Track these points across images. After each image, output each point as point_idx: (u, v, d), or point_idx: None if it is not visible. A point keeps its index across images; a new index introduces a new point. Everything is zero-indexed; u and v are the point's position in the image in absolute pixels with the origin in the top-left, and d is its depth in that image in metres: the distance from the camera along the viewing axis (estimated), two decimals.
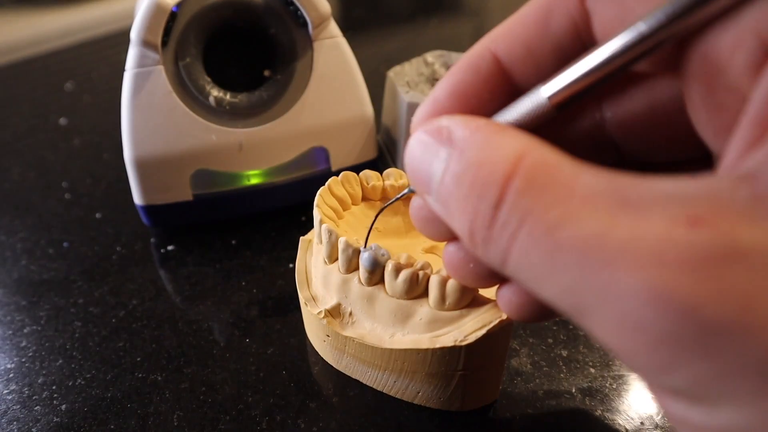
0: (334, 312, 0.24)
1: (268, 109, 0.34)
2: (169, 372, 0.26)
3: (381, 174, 0.27)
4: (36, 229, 0.37)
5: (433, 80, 0.37)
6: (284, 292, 0.31)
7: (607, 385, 0.25)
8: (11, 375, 0.27)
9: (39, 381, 0.26)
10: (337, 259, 0.23)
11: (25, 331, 0.29)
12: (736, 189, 0.10)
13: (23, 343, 0.29)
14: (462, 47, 0.53)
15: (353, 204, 0.27)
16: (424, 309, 0.22)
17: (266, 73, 0.35)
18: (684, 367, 0.10)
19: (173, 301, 0.31)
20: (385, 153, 0.40)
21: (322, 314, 0.24)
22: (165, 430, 0.24)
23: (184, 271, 0.33)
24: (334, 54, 0.35)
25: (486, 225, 0.12)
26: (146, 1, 0.31)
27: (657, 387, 0.11)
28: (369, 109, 0.36)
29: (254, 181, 0.35)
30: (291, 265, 0.33)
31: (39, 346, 0.28)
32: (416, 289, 0.22)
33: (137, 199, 0.34)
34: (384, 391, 0.25)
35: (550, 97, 0.14)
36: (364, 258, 0.22)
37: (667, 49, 0.12)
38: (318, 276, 0.25)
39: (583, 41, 0.14)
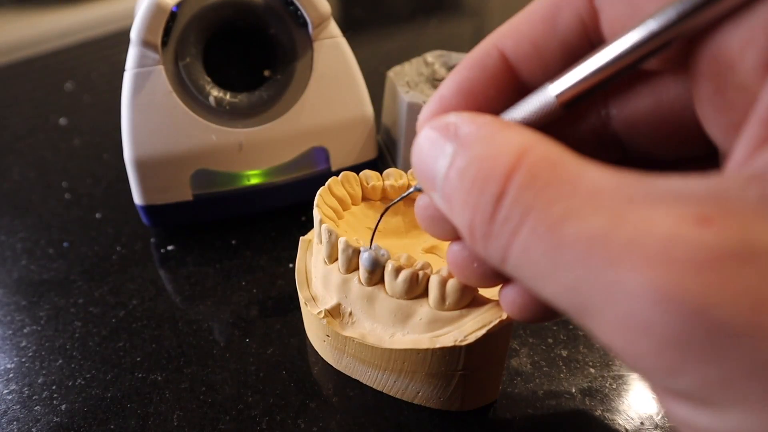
0: (334, 312, 0.24)
1: (268, 109, 0.34)
2: (169, 372, 0.26)
3: (381, 174, 0.27)
4: (36, 229, 0.37)
5: (433, 80, 0.37)
6: (284, 292, 0.31)
7: (607, 385, 0.25)
8: (11, 375, 0.27)
9: (39, 381, 0.26)
10: (337, 259, 0.23)
11: (25, 331, 0.29)
12: (746, 188, 0.10)
13: (23, 343, 0.29)
14: (462, 47, 0.53)
15: (353, 204, 0.27)
16: (424, 309, 0.22)
17: (266, 73, 0.35)
18: (692, 370, 0.09)
19: (173, 301, 0.31)
20: (385, 153, 0.40)
21: (322, 314, 0.24)
22: (165, 430, 0.24)
23: (184, 271, 0.33)
24: (334, 54, 0.35)
25: (486, 220, 0.12)
26: (146, 1, 0.31)
27: (661, 389, 0.11)
28: (369, 109, 0.36)
29: (254, 181, 0.35)
30: (291, 265, 0.33)
31: (39, 346, 0.28)
32: (416, 289, 0.22)
33: (137, 199, 0.34)
34: (384, 391, 0.25)
35: (558, 96, 0.14)
36: (364, 258, 0.22)
37: (675, 47, 0.12)
38: (318, 276, 0.25)
39: (590, 39, 0.14)
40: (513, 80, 0.15)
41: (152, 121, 0.32)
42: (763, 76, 0.11)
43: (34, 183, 0.43)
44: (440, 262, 0.26)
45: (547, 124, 0.14)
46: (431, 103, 0.16)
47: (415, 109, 0.35)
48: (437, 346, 0.21)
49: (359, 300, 0.23)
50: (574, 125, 0.17)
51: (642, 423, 0.23)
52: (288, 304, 0.30)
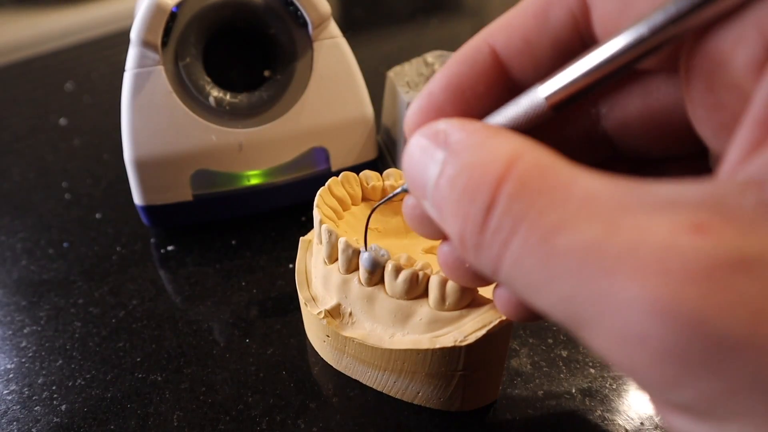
0: (334, 312, 0.24)
1: (268, 109, 0.34)
2: (169, 372, 0.26)
3: (381, 174, 0.27)
4: (36, 229, 0.37)
5: None
6: (284, 292, 0.31)
7: (607, 385, 0.25)
8: (11, 375, 0.27)
9: (39, 381, 0.26)
10: (337, 259, 0.23)
11: (25, 331, 0.29)
12: (741, 195, 0.10)
13: (23, 343, 0.29)
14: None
15: (353, 204, 0.27)
16: (424, 309, 0.22)
17: (266, 73, 0.35)
18: (690, 383, 0.09)
19: (173, 302, 0.31)
20: (385, 153, 0.40)
21: (322, 314, 0.24)
22: (165, 430, 0.24)
23: (184, 272, 0.33)
24: (334, 54, 0.35)
25: (477, 230, 0.12)
26: (146, 1, 0.31)
27: (660, 402, 0.10)
28: (369, 109, 0.36)
29: (254, 181, 0.35)
30: (291, 266, 0.33)
31: (39, 346, 0.28)
32: (416, 289, 0.22)
33: (137, 199, 0.34)
34: (384, 392, 0.25)
35: (547, 98, 0.14)
36: (364, 258, 0.22)
37: (667, 48, 0.12)
38: (318, 276, 0.25)
39: (582, 36, 0.14)
40: (503, 77, 0.15)
41: (152, 121, 0.32)
42: (754, 75, 0.11)
43: (34, 183, 0.43)
44: None
45: (535, 126, 0.14)
46: (419, 100, 0.15)
47: None
48: (437, 346, 0.21)
49: (359, 300, 0.23)
50: (564, 124, 0.16)
51: (642, 423, 0.23)
52: (288, 305, 0.30)
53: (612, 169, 0.16)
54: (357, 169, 0.28)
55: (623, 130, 0.16)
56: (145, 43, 0.31)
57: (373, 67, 0.47)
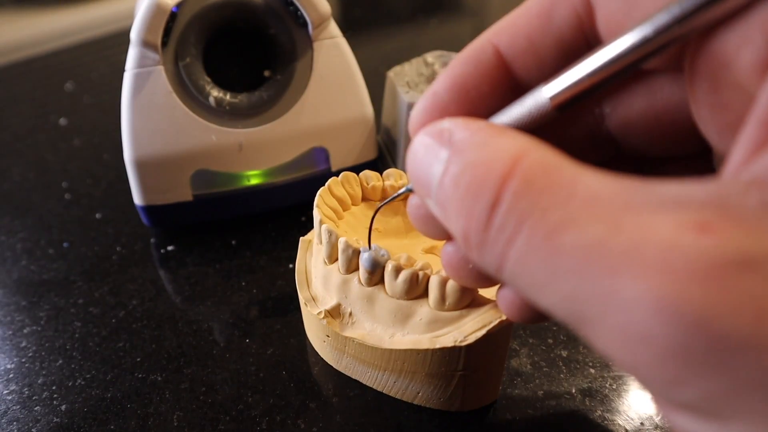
0: (334, 312, 0.24)
1: (268, 109, 0.34)
2: (169, 372, 0.26)
3: (381, 174, 0.27)
4: (36, 229, 0.37)
5: (433, 81, 0.37)
6: (284, 292, 0.31)
7: (607, 385, 0.25)
8: (11, 375, 0.27)
9: (39, 381, 0.26)
10: (337, 259, 0.23)
11: (25, 331, 0.29)
12: (745, 194, 0.10)
13: (23, 343, 0.29)
14: (462, 47, 0.53)
15: (353, 204, 0.27)
16: (424, 309, 0.22)
17: (266, 73, 0.35)
18: (694, 381, 0.09)
19: (173, 302, 0.31)
20: (385, 153, 0.40)
21: (322, 314, 0.24)
22: (165, 430, 0.24)
23: (184, 272, 0.33)
24: (334, 54, 0.35)
25: (481, 228, 0.12)
26: (146, 1, 0.31)
27: (663, 400, 0.10)
28: (369, 109, 0.36)
29: (254, 181, 0.35)
30: (291, 266, 0.33)
31: (39, 346, 0.28)
32: (416, 289, 0.22)
33: (137, 199, 0.34)
34: (384, 392, 0.25)
35: (551, 98, 0.14)
36: (364, 258, 0.22)
37: (672, 49, 0.12)
38: (318, 276, 0.25)
39: (586, 36, 0.14)
40: (507, 77, 0.15)
41: (152, 121, 0.32)
42: (759, 76, 0.11)
43: (34, 183, 0.43)
44: (440, 262, 0.25)
45: (540, 125, 0.14)
46: (425, 99, 0.15)
47: None
48: (437, 346, 0.21)
49: (359, 300, 0.23)
50: (567, 124, 0.16)
51: (642, 423, 0.23)
52: (288, 305, 0.30)
53: (615, 168, 0.16)
54: (357, 169, 0.28)
55: (627, 130, 0.16)
56: (145, 43, 0.31)
57: (373, 67, 0.47)
